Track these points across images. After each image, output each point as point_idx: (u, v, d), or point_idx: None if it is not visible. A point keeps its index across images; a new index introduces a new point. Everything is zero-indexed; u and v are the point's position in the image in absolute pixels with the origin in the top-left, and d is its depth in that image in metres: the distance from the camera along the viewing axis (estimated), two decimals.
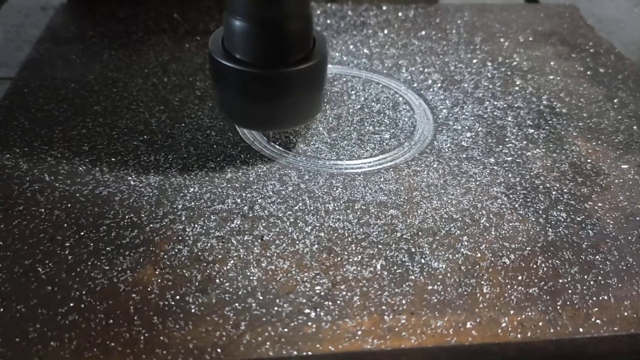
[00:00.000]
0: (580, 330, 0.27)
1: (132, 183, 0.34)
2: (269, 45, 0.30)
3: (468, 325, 0.27)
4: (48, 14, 0.56)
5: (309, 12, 0.31)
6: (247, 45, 0.31)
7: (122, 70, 0.44)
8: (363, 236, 0.32)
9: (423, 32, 0.52)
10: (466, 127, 0.40)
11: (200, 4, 0.53)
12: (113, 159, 0.36)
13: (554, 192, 0.35)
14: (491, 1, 0.65)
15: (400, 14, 0.55)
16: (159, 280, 0.29)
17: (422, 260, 0.30)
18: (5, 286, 0.28)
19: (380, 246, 0.31)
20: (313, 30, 0.32)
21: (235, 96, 0.33)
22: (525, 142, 0.39)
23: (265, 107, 0.33)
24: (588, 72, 0.48)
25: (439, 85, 0.45)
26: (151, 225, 0.31)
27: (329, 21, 0.53)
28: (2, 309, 0.27)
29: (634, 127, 0.41)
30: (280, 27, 0.30)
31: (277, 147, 0.38)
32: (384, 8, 0.56)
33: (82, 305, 0.27)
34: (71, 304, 0.27)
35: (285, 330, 0.27)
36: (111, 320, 0.26)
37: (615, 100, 0.44)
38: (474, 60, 0.48)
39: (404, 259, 0.30)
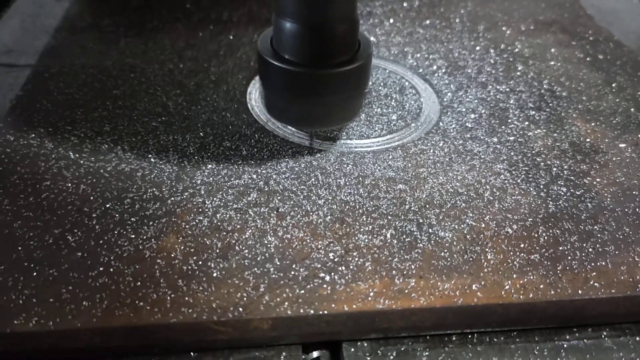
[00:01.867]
0: (579, 292, 0.29)
1: (152, 160, 0.36)
2: (317, 47, 0.32)
3: (473, 287, 0.29)
4: (62, 5, 0.57)
5: (355, 17, 0.33)
6: (295, 46, 0.32)
7: (138, 56, 0.46)
8: (373, 208, 0.33)
9: (428, 21, 0.54)
10: (470, 110, 0.42)
11: None
12: (133, 139, 0.37)
13: (554, 169, 0.37)
14: None
15: (405, 4, 0.56)
16: (182, 247, 0.30)
17: (430, 230, 0.32)
18: (38, 253, 0.30)
19: (389, 217, 0.33)
20: (358, 33, 0.34)
21: (281, 94, 0.34)
22: (527, 123, 0.41)
23: (310, 105, 0.34)
24: (587, 59, 0.49)
25: (443, 70, 0.47)
26: (172, 199, 0.33)
27: None
28: (35, 273, 0.29)
29: (631, 109, 0.43)
30: (327, 30, 0.31)
31: (289, 127, 0.39)
32: None
33: (111, 270, 0.29)
34: (100, 268, 0.29)
35: (302, 292, 0.28)
36: (139, 283, 0.28)
37: (613, 85, 0.46)
38: (477, 48, 0.50)
39: (412, 229, 0.32)
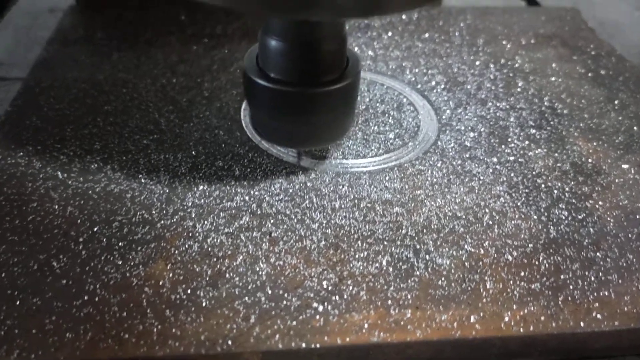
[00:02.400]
0: (582, 324, 0.28)
1: (142, 181, 0.35)
2: (303, 65, 0.31)
3: (472, 319, 0.28)
4: (56, 16, 0.57)
5: (344, 34, 0.32)
6: (281, 64, 0.31)
7: (131, 71, 0.45)
8: (369, 233, 0.32)
9: (426, 35, 0.53)
10: (469, 128, 0.41)
11: (206, 7, 0.54)
12: (124, 158, 0.37)
13: (555, 191, 0.36)
14: (493, 4, 0.66)
15: (403, 17, 0.56)
16: (171, 275, 0.29)
17: (427, 257, 0.31)
18: (21, 280, 0.29)
19: (385, 243, 0.32)
20: (347, 50, 0.33)
21: (268, 113, 0.33)
22: (527, 142, 0.40)
23: (297, 125, 0.34)
24: (589, 74, 0.48)
25: (442, 86, 0.46)
26: (162, 222, 0.32)
27: None
28: (18, 302, 0.28)
29: (634, 127, 0.42)
30: (315, 48, 0.31)
31: (283, 146, 0.38)
32: None
33: (96, 299, 0.28)
34: (85, 297, 0.28)
35: (294, 323, 0.27)
36: (125, 313, 0.27)
37: (616, 102, 0.45)
38: (477, 62, 0.49)
39: (409, 255, 0.31)
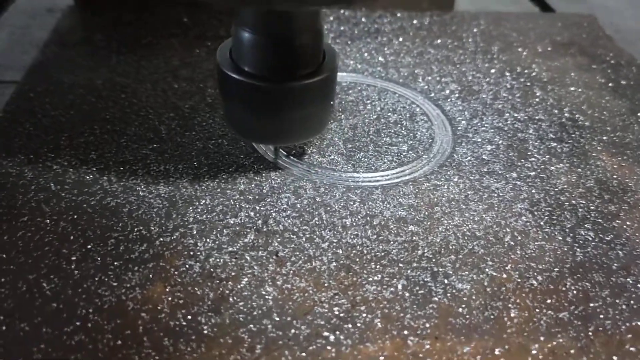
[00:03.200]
0: (614, 358, 0.26)
1: (141, 194, 0.33)
2: (277, 59, 0.30)
3: (496, 352, 0.26)
4: (55, 16, 0.55)
5: (319, 27, 0.31)
6: (255, 58, 0.30)
7: (130, 75, 0.43)
8: (382, 254, 0.30)
9: (439, 41, 0.51)
10: (486, 140, 0.39)
11: (210, 8, 0.52)
12: (121, 168, 0.34)
13: (580, 210, 0.34)
14: (506, 9, 0.64)
15: (415, 22, 0.53)
16: (170, 299, 0.27)
17: (446, 281, 0.29)
18: (8, 302, 0.27)
19: (401, 265, 0.30)
20: (323, 44, 0.32)
21: (242, 109, 0.32)
22: (548, 156, 0.38)
23: (272, 121, 0.32)
24: (610, 84, 0.46)
25: (456, 95, 0.44)
26: (161, 239, 0.30)
27: (342, 28, 0.52)
28: (4, 327, 0.25)
29: None
30: (289, 41, 0.30)
31: (292, 158, 0.36)
32: (399, 15, 0.54)
33: (89, 325, 0.26)
34: (77, 323, 0.26)
35: (304, 354, 0.25)
36: (119, 342, 0.25)
37: (639, 114, 0.43)
38: (492, 70, 0.47)
39: (426, 279, 0.29)
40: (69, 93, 0.40)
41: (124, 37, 0.47)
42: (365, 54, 0.48)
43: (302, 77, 0.30)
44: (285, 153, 0.36)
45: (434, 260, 0.30)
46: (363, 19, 0.53)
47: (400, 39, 0.51)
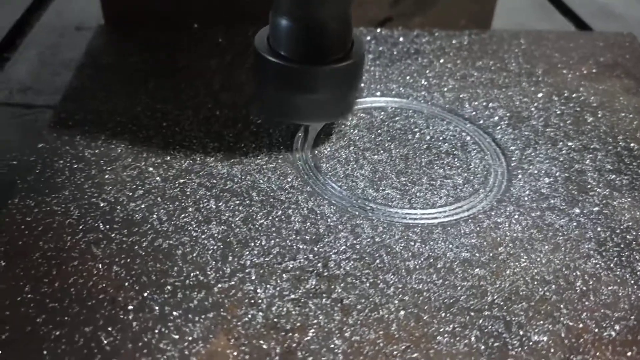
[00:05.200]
0: None
1: (193, 234, 0.31)
2: (310, 44, 0.33)
3: None
4: (83, 35, 0.53)
5: (348, 17, 0.34)
6: (290, 43, 0.33)
7: (170, 101, 0.42)
8: (451, 301, 0.29)
9: (481, 62, 0.49)
10: (543, 172, 0.38)
11: (246, 28, 0.50)
12: (170, 206, 0.33)
13: None
14: (540, 25, 0.62)
15: (454, 41, 0.52)
16: (235, 353, 0.26)
17: (520, 332, 0.28)
18: (67, 358, 0.25)
19: (472, 313, 0.28)
20: (352, 33, 0.35)
21: (276, 89, 0.35)
22: (608, 190, 0.36)
23: (303, 100, 0.35)
24: None
25: (506, 122, 0.42)
26: (219, 286, 0.29)
27: (380, 48, 0.50)
28: None
29: None
30: (321, 28, 0.33)
31: (345, 192, 0.35)
32: (436, 34, 0.53)
33: None
34: None
35: None
36: None
37: None
38: (539, 95, 0.45)
39: (500, 330, 0.28)
40: (109, 122, 0.39)
41: (159, 60, 0.46)
42: (408, 77, 0.47)
43: (332, 62, 0.34)
44: (338, 188, 0.35)
45: (505, 308, 0.29)
46: (401, 39, 0.52)
47: (442, 60, 0.49)
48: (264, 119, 0.39)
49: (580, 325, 0.28)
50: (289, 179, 0.36)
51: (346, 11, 0.34)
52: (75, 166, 0.35)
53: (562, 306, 0.29)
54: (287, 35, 0.33)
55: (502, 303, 0.29)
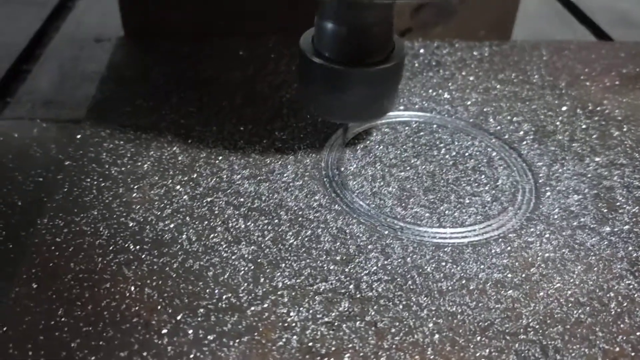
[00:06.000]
0: None
1: (223, 255, 0.31)
2: (354, 46, 0.35)
3: None
4: (103, 47, 0.53)
5: (390, 20, 0.35)
6: (334, 46, 0.35)
7: (193, 116, 0.42)
8: (486, 324, 0.29)
9: (502, 75, 0.49)
10: (571, 189, 0.37)
11: (267, 40, 0.50)
12: (199, 225, 0.33)
13: None
14: (560, 34, 0.62)
15: (475, 53, 0.52)
16: None
17: (557, 356, 0.27)
18: None
19: (507, 337, 0.28)
20: (393, 36, 0.36)
21: (320, 89, 0.36)
22: (638, 208, 0.36)
23: (346, 100, 0.36)
24: None
25: (531, 137, 0.42)
26: (252, 309, 0.29)
27: None
28: None
29: None
30: (364, 31, 0.34)
31: (373, 210, 0.35)
32: (457, 45, 0.53)
33: None
34: None
35: None
36: None
37: None
38: (564, 108, 0.45)
39: (537, 355, 0.27)
40: (135, 138, 0.39)
41: (182, 73, 0.46)
42: (430, 90, 0.46)
43: (374, 64, 0.35)
44: (366, 206, 0.35)
45: (540, 331, 0.28)
46: (421, 50, 0.52)
47: (463, 73, 0.49)
48: (312, 115, 0.41)
49: (617, 349, 0.28)
50: (317, 197, 0.35)
51: (389, 16, 0.35)
52: (103, 184, 0.35)
53: (597, 329, 0.29)
54: (332, 38, 0.35)
55: (537, 326, 0.29)
